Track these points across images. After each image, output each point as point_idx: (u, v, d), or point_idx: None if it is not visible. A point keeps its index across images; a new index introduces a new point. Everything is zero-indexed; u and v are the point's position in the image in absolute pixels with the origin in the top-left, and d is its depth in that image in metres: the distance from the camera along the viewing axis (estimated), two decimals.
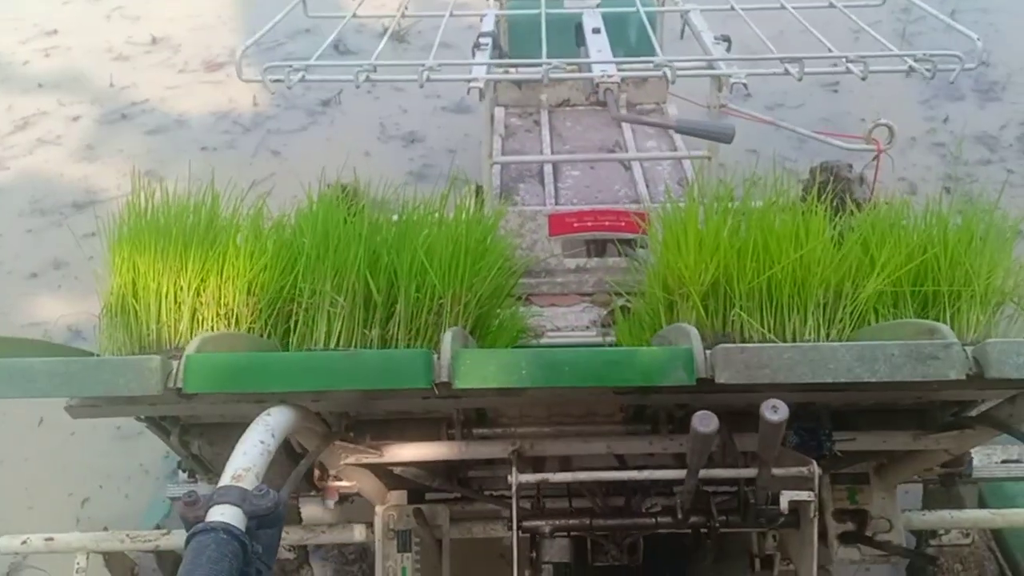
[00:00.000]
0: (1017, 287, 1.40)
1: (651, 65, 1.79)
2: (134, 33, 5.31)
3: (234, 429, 1.25)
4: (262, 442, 0.95)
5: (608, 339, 1.97)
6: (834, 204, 1.55)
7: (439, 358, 1.06)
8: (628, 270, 2.18)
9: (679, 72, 1.78)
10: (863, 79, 1.75)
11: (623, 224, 2.19)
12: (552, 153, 2.53)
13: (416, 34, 4.80)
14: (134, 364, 1.02)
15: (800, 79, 1.74)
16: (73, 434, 2.72)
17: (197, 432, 1.44)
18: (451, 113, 4.29)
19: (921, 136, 3.94)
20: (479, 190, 2.75)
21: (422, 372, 1.02)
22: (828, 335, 1.35)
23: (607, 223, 2.19)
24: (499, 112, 2.72)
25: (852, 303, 1.36)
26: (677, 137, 2.56)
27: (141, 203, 1.41)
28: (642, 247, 2.23)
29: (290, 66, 1.70)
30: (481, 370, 1.02)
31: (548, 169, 2.40)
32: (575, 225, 2.17)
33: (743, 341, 1.32)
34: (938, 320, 1.35)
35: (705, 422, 0.98)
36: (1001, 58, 4.44)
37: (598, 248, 2.33)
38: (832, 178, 2.41)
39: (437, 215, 1.49)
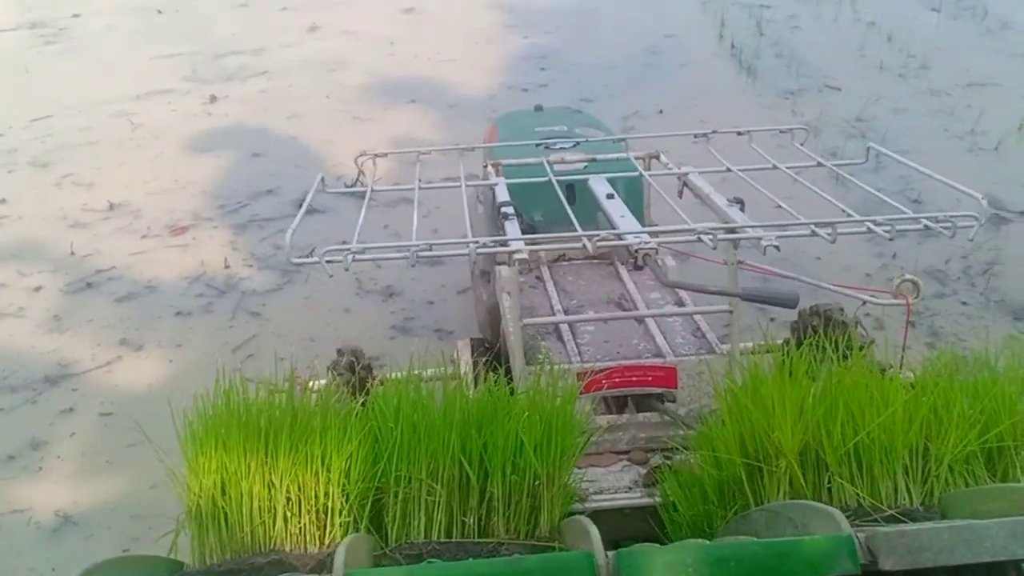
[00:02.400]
0: None
1: (692, 232, 1.83)
2: (89, 200, 5.26)
3: None
4: None
5: (655, 499, 1.94)
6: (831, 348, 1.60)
7: (596, 559, 1.03)
8: (660, 425, 2.18)
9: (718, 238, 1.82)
10: (890, 240, 1.81)
11: (651, 379, 2.20)
12: (562, 307, 2.54)
13: (380, 192, 4.86)
14: None
15: (833, 241, 1.79)
16: None
17: None
18: (424, 266, 4.31)
19: (876, 272, 4.08)
20: (477, 344, 2.75)
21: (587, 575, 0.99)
22: (923, 499, 1.36)
23: (635, 379, 2.19)
24: (502, 271, 2.73)
25: (937, 464, 1.38)
26: (681, 291, 2.60)
27: (221, 399, 1.36)
28: (670, 401, 2.24)
29: (348, 249, 1.69)
30: (648, 570, 1.00)
31: (564, 327, 2.41)
32: (607, 383, 2.17)
33: (843, 509, 1.31)
34: (1011, 475, 1.38)
35: None
36: (928, 197, 4.65)
37: (618, 405, 2.32)
38: (825, 322, 2.46)
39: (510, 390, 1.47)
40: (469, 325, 3.49)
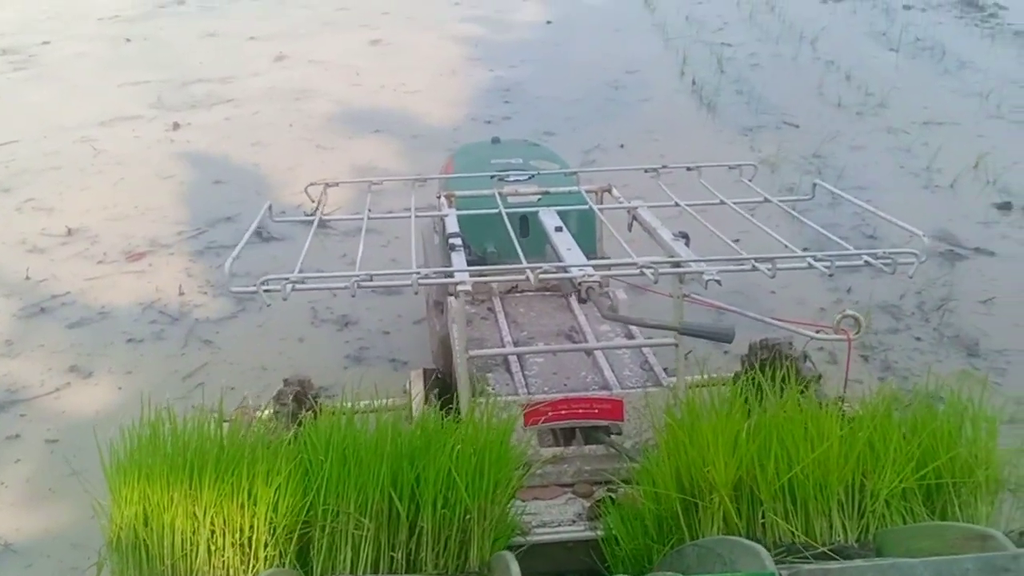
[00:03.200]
0: (1012, 475, 1.46)
1: (634, 266, 1.84)
2: (48, 225, 5.22)
3: None
4: None
5: (598, 533, 1.93)
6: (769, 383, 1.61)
7: None
8: (605, 457, 2.18)
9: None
10: (830, 275, 1.83)
11: (597, 411, 2.19)
12: (512, 339, 2.54)
13: (336, 221, 4.87)
14: None
15: (773, 276, 1.82)
16: None
17: None
18: (380, 296, 4.29)
19: (830, 307, 4.11)
20: (429, 374, 2.73)
21: None
22: (858, 536, 1.36)
23: (581, 411, 2.19)
24: (452, 302, 2.73)
25: (873, 500, 1.38)
26: None
27: (146, 429, 1.34)
28: (616, 433, 2.24)
29: (286, 279, 1.67)
30: None
31: (513, 358, 2.41)
32: (551, 414, 2.16)
33: (775, 546, 1.31)
34: (950, 513, 1.39)
35: None
36: (882, 233, 4.71)
37: (566, 436, 2.32)
38: (774, 356, 2.46)
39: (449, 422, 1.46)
40: (424, 355, 3.47)
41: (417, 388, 2.65)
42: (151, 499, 1.24)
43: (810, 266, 1.83)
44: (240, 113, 7.20)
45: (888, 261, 1.82)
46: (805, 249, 1.93)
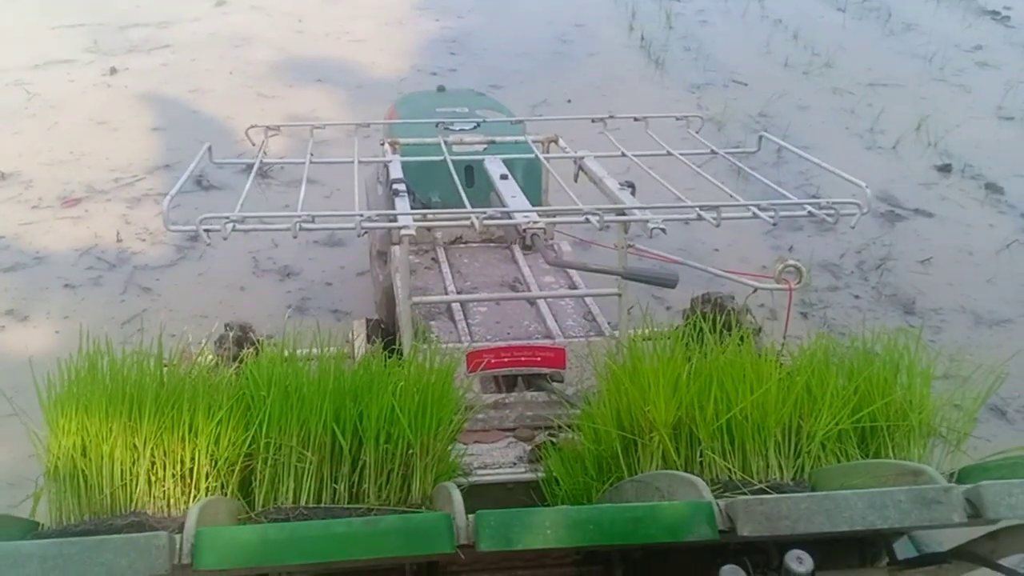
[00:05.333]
0: (943, 420, 1.50)
1: (579, 213, 1.83)
2: None
3: None
4: None
5: (539, 475, 1.96)
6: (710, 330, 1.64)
7: (456, 520, 1.03)
8: (547, 404, 2.20)
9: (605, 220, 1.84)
10: (774, 225, 1.85)
11: (539, 359, 2.21)
12: (456, 289, 2.54)
13: (279, 170, 4.81)
14: (140, 542, 0.95)
15: (718, 225, 1.82)
16: None
17: None
18: (323, 247, 4.27)
19: (771, 264, 4.14)
20: (374, 324, 2.73)
21: (446, 536, 1.00)
22: (794, 474, 1.39)
23: (523, 358, 2.21)
24: (396, 250, 2.71)
25: (809, 441, 1.41)
26: (574, 273, 2.62)
27: (84, 362, 1.32)
28: (556, 381, 2.26)
29: (226, 218, 1.65)
30: (506, 532, 1.01)
31: (457, 307, 2.41)
32: (493, 361, 2.18)
33: (713, 483, 1.34)
34: (883, 455, 1.43)
35: (801, 562, 0.99)
36: (825, 191, 4.76)
37: (508, 384, 2.34)
38: (715, 309, 2.49)
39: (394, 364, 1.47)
40: (367, 307, 3.46)
41: (360, 337, 2.64)
42: (89, 430, 1.23)
43: (754, 215, 1.84)
44: (179, 59, 7.04)
45: (831, 211, 1.83)
46: None
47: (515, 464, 2.04)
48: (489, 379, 2.31)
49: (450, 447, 1.67)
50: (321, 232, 4.27)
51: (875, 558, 1.46)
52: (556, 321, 2.36)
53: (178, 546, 0.97)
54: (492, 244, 2.88)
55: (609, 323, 2.38)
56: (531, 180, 2.70)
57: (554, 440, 2.03)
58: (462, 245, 2.88)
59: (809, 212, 1.85)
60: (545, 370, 2.23)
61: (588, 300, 2.47)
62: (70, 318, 3.70)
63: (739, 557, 1.32)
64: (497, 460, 2.06)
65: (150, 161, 5.21)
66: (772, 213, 1.84)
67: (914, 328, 3.71)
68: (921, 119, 5.75)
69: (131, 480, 1.24)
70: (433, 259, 2.77)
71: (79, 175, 5.03)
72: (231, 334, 2.38)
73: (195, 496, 1.26)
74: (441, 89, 3.48)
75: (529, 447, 2.09)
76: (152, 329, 3.53)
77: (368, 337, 2.56)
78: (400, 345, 2.26)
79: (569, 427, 1.97)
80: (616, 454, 1.50)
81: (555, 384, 2.24)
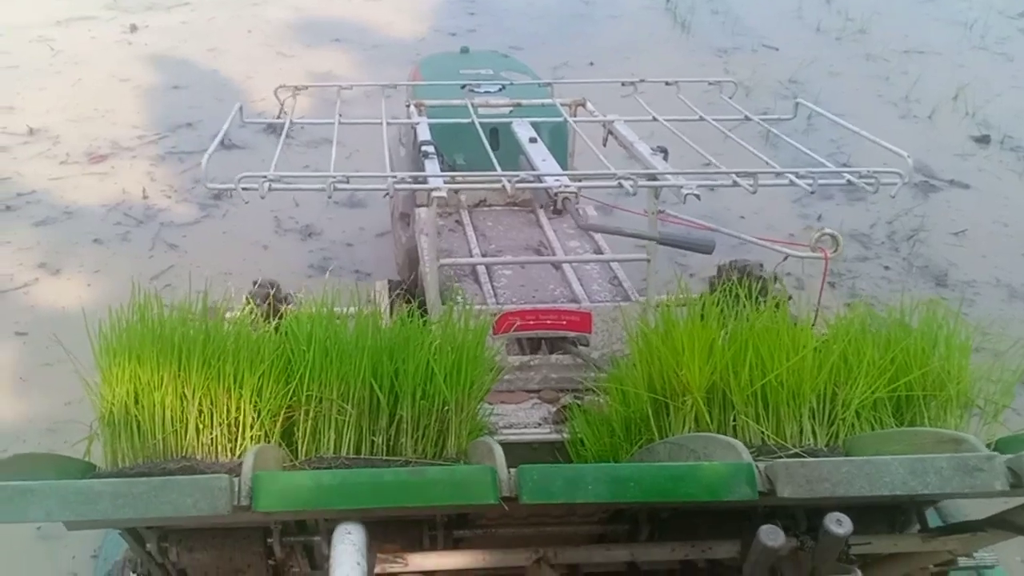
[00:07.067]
0: (981, 391, 1.50)
1: (612, 177, 1.84)
2: (8, 123, 5.14)
3: (214, 535, 1.31)
4: (358, 563, 0.95)
5: (563, 435, 2.00)
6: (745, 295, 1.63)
7: (499, 473, 1.08)
8: (572, 367, 2.23)
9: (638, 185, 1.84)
10: (811, 193, 1.84)
11: (566, 323, 2.24)
12: (480, 251, 2.57)
13: (299, 130, 4.83)
14: (203, 484, 1.00)
15: (755, 192, 1.80)
16: None
17: (176, 539, 1.40)
18: (344, 207, 4.30)
19: (799, 234, 4.15)
20: (395, 285, 2.76)
21: (490, 488, 1.04)
22: (827, 441, 1.42)
23: (550, 322, 2.24)
24: (421, 212, 2.74)
25: (844, 409, 1.43)
26: (599, 237, 2.64)
27: (136, 314, 1.37)
28: (582, 344, 2.29)
29: (264, 176, 1.68)
30: (548, 486, 1.05)
31: (482, 269, 2.44)
32: (520, 324, 2.21)
33: (747, 445, 1.36)
34: (919, 424, 1.44)
35: (772, 536, 1.02)
36: (857, 161, 4.75)
37: (532, 346, 2.37)
38: (743, 276, 2.50)
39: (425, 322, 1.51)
40: (387, 268, 3.50)
41: (383, 297, 2.68)
42: (141, 378, 1.29)
43: (791, 183, 1.81)
44: (197, 17, 7.06)
45: (871, 180, 1.80)
46: None
47: (540, 424, 2.08)
48: (512, 341, 2.35)
49: (479, 406, 1.72)
50: (343, 192, 4.30)
51: (904, 525, 1.48)
52: (582, 285, 2.39)
53: (236, 488, 1.03)
54: (516, 207, 2.90)
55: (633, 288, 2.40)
56: (557, 144, 2.70)
57: (579, 402, 2.07)
58: (485, 208, 2.89)
59: (848, 181, 1.81)
60: (571, 334, 2.26)
61: (614, 265, 2.49)
62: (100, 272, 3.77)
63: (767, 521, 1.36)
64: (522, 420, 2.09)
65: (172, 119, 5.25)
66: (810, 181, 1.80)
67: (946, 300, 3.72)
68: (959, 88, 5.65)
69: (180, 428, 1.29)
70: (457, 222, 2.79)
71: (104, 131, 5.08)
72: (261, 291, 2.42)
73: (241, 444, 1.32)
74: (465, 50, 3.48)
75: (554, 408, 2.13)
76: (179, 285, 3.59)
77: (391, 300, 2.59)
78: (424, 307, 2.28)
79: (594, 390, 2.01)
80: (646, 416, 1.53)
81: (580, 348, 2.27)
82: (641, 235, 2.06)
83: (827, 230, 2.00)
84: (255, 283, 2.48)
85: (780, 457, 1.32)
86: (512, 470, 1.11)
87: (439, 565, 1.34)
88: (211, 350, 1.35)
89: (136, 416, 1.28)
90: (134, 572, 1.79)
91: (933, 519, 1.52)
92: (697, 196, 1.78)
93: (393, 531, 1.40)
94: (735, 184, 1.81)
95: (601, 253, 2.58)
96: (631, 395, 1.60)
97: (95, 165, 4.71)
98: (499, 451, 1.11)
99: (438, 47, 5.86)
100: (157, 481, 1.03)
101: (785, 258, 2.15)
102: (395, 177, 1.76)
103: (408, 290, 2.71)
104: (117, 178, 4.57)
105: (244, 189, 1.67)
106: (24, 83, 5.76)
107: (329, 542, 1.27)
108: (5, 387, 3.11)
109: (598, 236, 2.63)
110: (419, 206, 2.72)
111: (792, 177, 1.81)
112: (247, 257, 3.90)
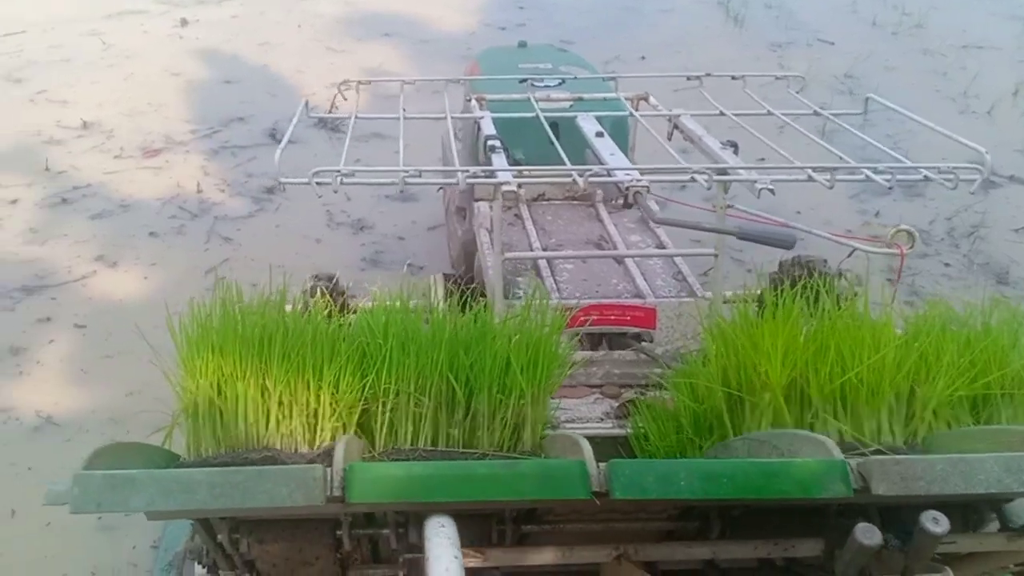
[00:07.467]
0: None
1: (685, 172, 1.83)
2: (63, 117, 5.22)
3: (284, 526, 1.32)
4: (456, 557, 0.94)
5: (626, 430, 1.99)
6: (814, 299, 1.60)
7: (589, 468, 1.07)
8: (635, 362, 2.22)
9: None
10: (889, 189, 1.81)
11: (630, 319, 2.23)
12: (541, 245, 2.56)
13: (344, 124, 4.84)
14: (298, 474, 1.01)
15: (832, 187, 1.78)
16: (49, 525, 2.54)
17: (247, 530, 1.41)
18: (395, 201, 4.32)
19: (857, 229, 4.11)
20: (448, 278, 2.76)
21: (581, 483, 1.03)
22: (907, 439, 1.39)
23: (614, 317, 2.23)
24: (482, 206, 2.74)
25: (923, 408, 1.41)
26: (661, 232, 2.62)
27: (216, 308, 1.39)
28: (645, 340, 2.28)
29: (337, 171, 1.70)
30: (640, 481, 1.04)
31: (543, 263, 2.43)
32: (583, 320, 2.20)
33: None
34: (994, 420, 1.42)
35: (868, 535, 1.00)
36: (917, 158, 4.67)
37: (593, 341, 2.36)
38: (807, 273, 2.47)
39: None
40: (439, 261, 3.51)
41: (440, 291, 2.67)
42: (223, 370, 1.30)
43: (868, 178, 1.78)
44: (247, 12, 7.12)
45: (951, 176, 1.78)
46: None
47: (602, 419, 2.06)
48: (574, 336, 2.34)
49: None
50: (394, 186, 4.31)
51: (977, 524, 1.46)
52: (646, 280, 2.37)
53: (329, 479, 1.03)
54: (575, 202, 2.88)
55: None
56: (619, 138, 2.67)
57: (643, 397, 2.05)
58: (544, 203, 2.88)
59: (926, 176, 1.79)
60: (634, 329, 2.24)
61: (678, 260, 2.46)
62: (157, 265, 3.81)
63: (840, 519, 1.34)
64: (585, 415, 2.08)
65: (224, 114, 5.30)
66: (888, 176, 1.78)
67: (1007, 298, 3.64)
68: (1019, 84, 5.57)
69: (262, 418, 1.30)
70: (516, 216, 2.78)
71: (158, 126, 5.15)
72: (320, 285, 2.42)
73: (320, 435, 1.32)
74: (522, 44, 3.47)
75: (616, 403, 2.12)
76: (235, 278, 3.59)
77: (447, 293, 2.59)
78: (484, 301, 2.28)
79: (659, 386, 1.99)
80: (719, 412, 1.52)
81: (644, 344, 2.25)
82: (720, 230, 2.03)
83: (903, 226, 1.98)
84: (315, 277, 2.49)
85: (864, 455, 1.30)
86: (602, 465, 1.10)
87: (517, 560, 1.33)
88: (290, 343, 1.36)
89: (220, 406, 1.29)
90: (199, 563, 1.82)
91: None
92: (772, 191, 1.76)
93: (462, 525, 1.40)
94: (810, 179, 1.79)
95: (663, 248, 2.56)
96: (702, 390, 1.58)
97: (149, 159, 4.77)
98: (586, 445, 1.10)
99: (488, 41, 5.87)
100: (253, 471, 1.03)
101: (851, 253, 2.12)
102: (467, 171, 1.77)
103: (464, 283, 2.71)
104: (171, 172, 4.63)
105: (319, 184, 1.69)
106: (77, 76, 5.85)
107: (397, 536, 1.29)
108: (68, 379, 3.16)
109: (660, 231, 2.61)
110: (478, 200, 2.72)
111: (869, 172, 1.78)
112: (300, 251, 3.93)
